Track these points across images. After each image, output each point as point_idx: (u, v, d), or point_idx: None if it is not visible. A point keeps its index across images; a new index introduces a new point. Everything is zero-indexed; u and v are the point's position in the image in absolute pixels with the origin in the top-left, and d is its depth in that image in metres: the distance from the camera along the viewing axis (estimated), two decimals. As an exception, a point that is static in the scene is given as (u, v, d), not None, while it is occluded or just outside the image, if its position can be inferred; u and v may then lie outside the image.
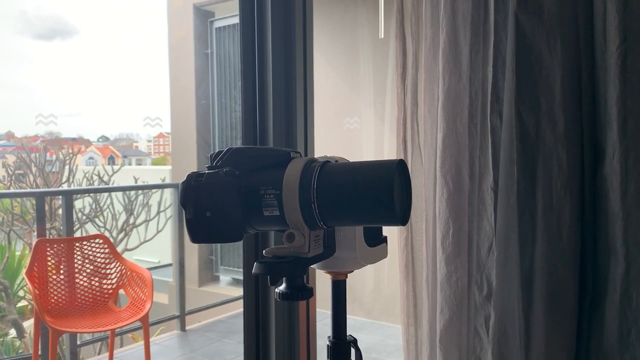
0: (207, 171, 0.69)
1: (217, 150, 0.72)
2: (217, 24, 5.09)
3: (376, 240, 0.81)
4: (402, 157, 1.50)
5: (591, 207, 1.15)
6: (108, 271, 3.00)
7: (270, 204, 0.67)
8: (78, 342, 3.29)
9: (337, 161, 0.72)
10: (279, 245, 0.71)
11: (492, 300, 1.24)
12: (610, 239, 1.11)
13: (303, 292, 0.72)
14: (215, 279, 5.32)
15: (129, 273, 2.94)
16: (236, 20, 4.83)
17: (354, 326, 3.54)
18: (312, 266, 0.77)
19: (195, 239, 0.69)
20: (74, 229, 4.36)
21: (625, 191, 1.08)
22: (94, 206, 5.37)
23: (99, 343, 4.32)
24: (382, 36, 3.62)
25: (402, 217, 0.66)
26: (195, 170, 0.70)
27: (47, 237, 3.90)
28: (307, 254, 0.69)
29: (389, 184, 0.63)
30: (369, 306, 3.91)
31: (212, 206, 0.67)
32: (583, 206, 1.15)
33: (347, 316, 0.83)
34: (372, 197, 0.64)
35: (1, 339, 5.07)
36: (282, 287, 0.73)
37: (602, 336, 1.13)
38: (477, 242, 1.27)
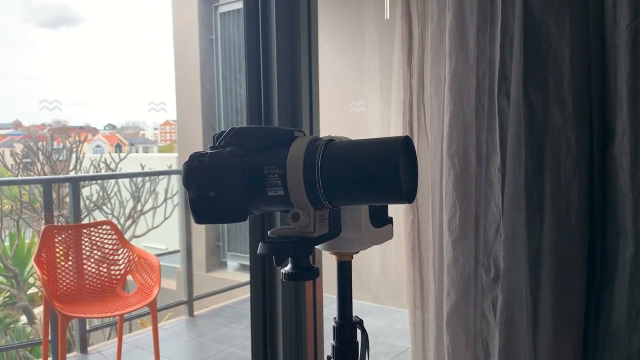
0: (209, 151, 0.69)
1: (220, 131, 0.72)
2: (222, 9, 5.06)
3: (382, 220, 0.80)
4: (409, 140, 1.48)
5: (600, 188, 1.13)
6: (116, 257, 3.01)
7: (274, 183, 0.67)
8: (87, 328, 3.32)
9: (341, 140, 0.71)
10: (285, 226, 0.71)
11: (499, 283, 1.23)
12: (619, 220, 1.10)
13: (309, 272, 0.72)
14: (223, 265, 5.34)
15: (136, 259, 2.95)
16: (240, 4, 4.80)
17: (360, 310, 3.54)
18: (317, 247, 0.76)
19: (199, 219, 0.69)
20: (82, 216, 4.39)
21: (635, 171, 1.06)
22: (101, 193, 5.40)
23: (108, 328, 4.36)
24: (388, 17, 3.58)
25: (408, 195, 0.65)
26: (201, 154, 0.69)
27: (55, 224, 3.92)
28: (313, 233, 0.69)
29: (395, 160, 0.62)
30: (375, 291, 3.92)
31: (216, 186, 0.66)
32: (592, 187, 1.14)
33: (354, 300, 0.83)
34: (378, 174, 0.63)
35: (12, 325, 5.13)
36: (288, 267, 0.72)
37: (611, 318, 1.12)
38: (484, 224, 1.27)
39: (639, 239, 1.07)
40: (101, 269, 2.98)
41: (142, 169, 5.93)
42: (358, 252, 0.81)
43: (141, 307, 2.70)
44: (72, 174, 5.54)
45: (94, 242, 3.02)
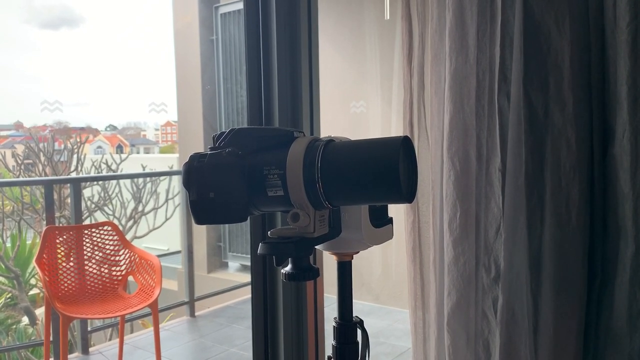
0: (209, 152, 0.69)
1: (220, 131, 0.72)
2: (222, 10, 5.06)
3: (382, 221, 0.80)
4: (409, 140, 1.48)
5: (601, 187, 1.13)
6: (117, 258, 3.02)
7: (274, 184, 0.67)
8: (89, 329, 3.32)
9: (341, 141, 0.71)
10: (285, 226, 0.71)
11: (500, 283, 1.23)
12: (620, 220, 1.10)
13: (309, 272, 0.72)
14: (224, 266, 5.34)
15: (137, 260, 2.95)
16: (241, 5, 4.80)
17: (362, 310, 3.54)
18: (317, 247, 0.76)
19: (199, 220, 0.69)
20: (83, 217, 4.39)
21: (636, 171, 1.06)
22: (102, 194, 5.40)
23: (110, 329, 4.37)
24: (388, 17, 3.58)
25: (408, 194, 0.65)
26: (201, 155, 0.69)
27: (56, 225, 3.93)
28: (313, 234, 0.69)
29: (394, 160, 0.62)
30: (376, 291, 3.92)
31: (216, 187, 0.66)
32: (592, 187, 1.14)
33: (355, 301, 0.83)
34: (378, 173, 0.63)
35: (14, 326, 5.14)
36: (288, 267, 0.72)
37: (611, 318, 1.12)
38: (485, 225, 1.27)
39: (639, 238, 1.07)
40: (102, 269, 2.98)
41: (143, 169, 5.93)
42: (358, 252, 0.81)
43: (142, 308, 2.70)
44: (74, 175, 5.55)
45: (95, 243, 3.02)
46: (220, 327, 3.64)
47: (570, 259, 1.13)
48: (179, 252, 4.82)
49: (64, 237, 2.95)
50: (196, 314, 3.83)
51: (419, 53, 1.45)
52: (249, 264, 4.40)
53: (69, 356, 3.17)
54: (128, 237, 4.87)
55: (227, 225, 4.76)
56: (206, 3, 5.20)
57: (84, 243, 2.98)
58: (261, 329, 1.54)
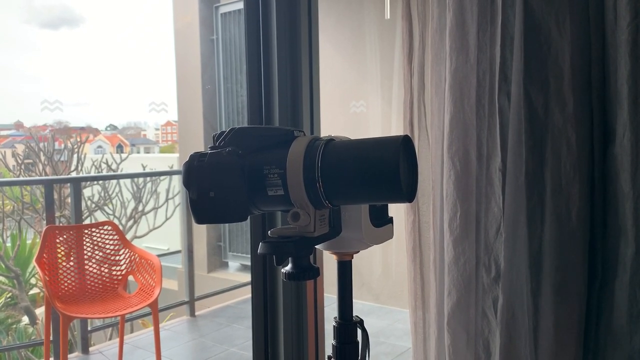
0: (209, 151, 0.69)
1: (220, 131, 0.72)
2: (222, 10, 5.06)
3: (382, 220, 0.80)
4: (409, 140, 1.48)
5: (601, 187, 1.13)
6: (117, 258, 3.02)
7: (274, 183, 0.67)
8: (89, 328, 3.32)
9: (341, 140, 0.71)
10: (285, 225, 0.71)
11: (500, 282, 1.23)
12: (620, 220, 1.10)
13: (309, 271, 0.72)
14: (224, 265, 5.34)
15: (138, 259, 2.95)
16: (241, 5, 4.80)
17: (362, 310, 3.54)
18: (317, 247, 0.76)
19: (199, 219, 0.69)
20: (83, 217, 4.39)
21: (636, 171, 1.06)
22: (102, 194, 5.40)
23: (110, 329, 4.37)
24: (389, 17, 3.58)
25: (408, 194, 0.65)
26: (202, 155, 0.69)
27: (57, 225, 3.93)
28: (313, 233, 0.69)
29: (394, 159, 0.62)
30: (377, 291, 3.92)
31: (216, 186, 0.66)
32: (592, 187, 1.14)
33: (355, 300, 0.83)
34: (378, 172, 0.63)
35: (14, 326, 5.14)
36: (289, 267, 0.72)
37: (612, 318, 1.12)
38: (485, 224, 1.27)
39: (639, 238, 1.07)
40: (102, 269, 2.98)
41: (144, 169, 5.94)
42: (358, 251, 0.81)
43: (142, 308, 2.70)
44: (74, 174, 5.55)
45: (95, 242, 3.02)
46: (220, 326, 3.64)
47: (571, 258, 1.13)
48: (179, 251, 4.82)
49: (64, 236, 2.95)
50: (196, 313, 3.83)
51: (420, 53, 1.45)
52: (249, 263, 4.40)
53: (69, 356, 3.17)
54: (128, 236, 4.87)
55: (227, 224, 4.76)
56: (206, 3, 5.20)
57: (84, 243, 2.98)
58: (261, 329, 1.54)
